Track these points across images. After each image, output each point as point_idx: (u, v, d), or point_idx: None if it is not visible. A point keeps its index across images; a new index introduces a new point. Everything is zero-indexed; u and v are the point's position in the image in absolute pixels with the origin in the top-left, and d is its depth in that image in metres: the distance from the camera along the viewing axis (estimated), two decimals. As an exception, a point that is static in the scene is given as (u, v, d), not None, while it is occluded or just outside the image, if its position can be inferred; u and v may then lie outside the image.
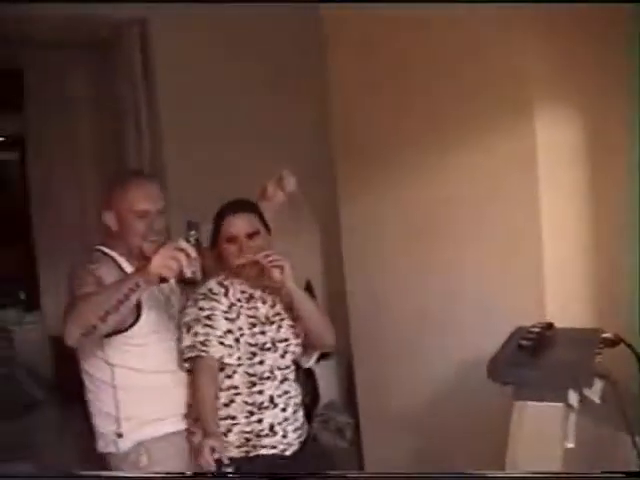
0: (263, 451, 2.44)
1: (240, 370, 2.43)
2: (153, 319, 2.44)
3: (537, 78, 2.64)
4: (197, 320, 2.42)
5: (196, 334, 2.40)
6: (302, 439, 2.57)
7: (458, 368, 3.08)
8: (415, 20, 2.95)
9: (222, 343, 2.40)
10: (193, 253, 2.05)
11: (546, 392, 1.98)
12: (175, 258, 2.03)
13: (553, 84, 2.64)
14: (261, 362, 2.45)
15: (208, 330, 2.40)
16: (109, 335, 2.33)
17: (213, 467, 2.17)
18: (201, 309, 2.43)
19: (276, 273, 2.37)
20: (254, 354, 2.44)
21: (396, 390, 3.57)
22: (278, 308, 2.55)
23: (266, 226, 2.53)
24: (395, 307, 3.46)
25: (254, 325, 2.47)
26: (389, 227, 3.41)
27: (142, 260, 2.29)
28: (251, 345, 2.44)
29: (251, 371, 2.44)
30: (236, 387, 2.43)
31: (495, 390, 2.15)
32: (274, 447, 2.46)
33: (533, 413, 2.00)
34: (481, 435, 2.86)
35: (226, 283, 2.48)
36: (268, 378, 2.46)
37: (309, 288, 4.10)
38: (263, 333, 2.48)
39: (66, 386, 4.66)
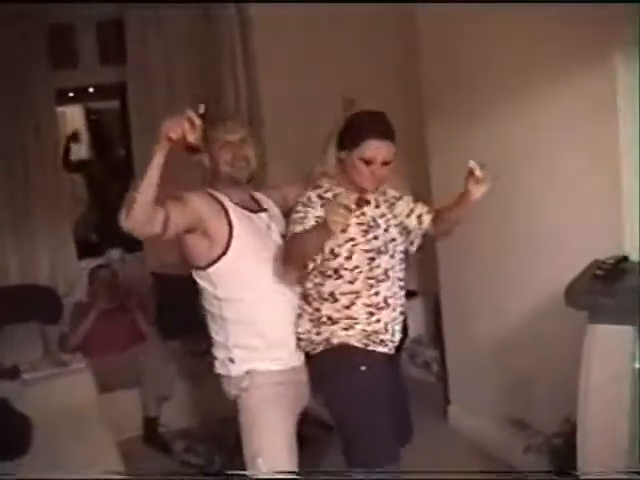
0: (379, 348, 2.60)
1: (361, 277, 2.56)
2: (249, 244, 2.63)
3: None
4: (293, 222, 2.56)
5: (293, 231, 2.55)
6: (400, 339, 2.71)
7: (537, 301, 3.20)
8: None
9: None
10: (197, 121, 2.32)
11: (618, 316, 2.10)
12: (180, 123, 2.29)
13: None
14: (378, 266, 2.57)
15: (301, 227, 2.51)
16: (211, 265, 2.59)
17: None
18: (296, 212, 2.57)
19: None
20: (372, 259, 2.57)
21: (480, 324, 3.72)
22: (383, 209, 2.66)
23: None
24: (478, 244, 3.61)
25: (366, 232, 2.57)
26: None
27: None
28: (367, 251, 2.56)
29: (370, 275, 2.57)
30: (357, 292, 2.57)
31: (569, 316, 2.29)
32: (386, 345, 2.62)
33: (605, 335, 2.12)
34: (558, 360, 2.99)
35: (327, 196, 2.56)
36: (383, 280, 2.59)
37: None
38: (377, 238, 2.58)
39: (167, 321, 4.99)
